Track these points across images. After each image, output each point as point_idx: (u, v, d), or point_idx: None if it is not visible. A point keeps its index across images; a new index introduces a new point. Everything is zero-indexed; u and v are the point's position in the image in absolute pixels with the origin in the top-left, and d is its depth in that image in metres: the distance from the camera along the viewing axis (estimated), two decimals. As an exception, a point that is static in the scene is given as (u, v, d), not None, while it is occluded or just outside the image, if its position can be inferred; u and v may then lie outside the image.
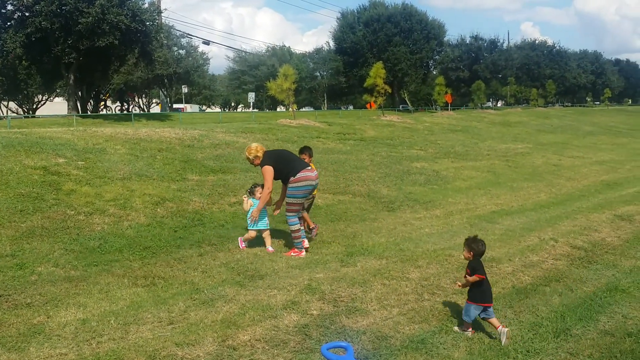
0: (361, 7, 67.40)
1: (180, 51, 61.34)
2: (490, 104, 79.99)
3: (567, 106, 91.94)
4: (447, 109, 51.00)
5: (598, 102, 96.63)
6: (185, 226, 9.27)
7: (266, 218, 8.64)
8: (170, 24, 57.68)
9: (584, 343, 5.74)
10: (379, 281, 7.23)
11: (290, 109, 30.91)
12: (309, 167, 8.39)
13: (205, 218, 9.79)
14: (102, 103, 49.00)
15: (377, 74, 35.79)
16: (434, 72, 71.41)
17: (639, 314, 6.47)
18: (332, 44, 70.14)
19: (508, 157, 22.98)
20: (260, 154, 8.32)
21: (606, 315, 6.45)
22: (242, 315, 6.02)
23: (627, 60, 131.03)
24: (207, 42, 46.79)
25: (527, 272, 8.00)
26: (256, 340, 5.46)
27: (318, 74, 75.05)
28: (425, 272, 7.71)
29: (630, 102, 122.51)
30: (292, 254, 8.26)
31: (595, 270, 8.17)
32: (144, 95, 65.23)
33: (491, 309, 5.94)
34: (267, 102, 72.13)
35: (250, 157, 8.36)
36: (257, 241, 8.70)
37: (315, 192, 9.13)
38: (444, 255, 8.39)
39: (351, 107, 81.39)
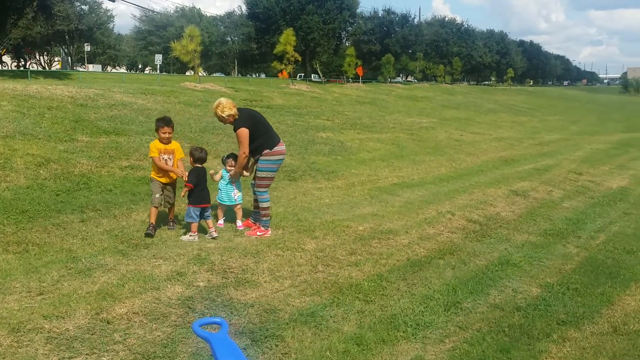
0: (276, -28, 66.04)
1: (83, 7, 58.09)
2: (399, 78, 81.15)
3: (472, 84, 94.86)
4: (358, 82, 51.21)
5: (501, 82, 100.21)
6: (68, 190, 8.60)
7: (234, 192, 7.93)
8: (73, -23, 54.42)
9: (473, 317, 5.72)
10: (273, 252, 6.96)
11: (195, 73, 29.89)
12: (280, 141, 7.70)
13: (92, 182, 9.13)
14: (-2, 59, 45.79)
15: (287, 40, 35.28)
16: (346, 44, 71.44)
17: (528, 289, 6.55)
18: (244, 8, 68.50)
19: (413, 131, 23.24)
20: (234, 112, 7.41)
21: (497, 289, 6.49)
22: (121, 286, 5.58)
23: (531, 42, 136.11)
24: (112, -1, 44.22)
25: (423, 244, 7.96)
26: (134, 313, 5.06)
27: (229, 39, 73.48)
28: (322, 243, 7.51)
29: (531, 82, 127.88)
30: (257, 232, 7.58)
31: (489, 244, 8.25)
32: (45, 53, 61.55)
33: (207, 211, 7.34)
34: (176, 66, 69.90)
35: (224, 114, 7.39)
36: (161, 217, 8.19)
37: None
38: (342, 226, 8.22)
39: (263, 76, 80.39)
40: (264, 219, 7.64)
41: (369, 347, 4.90)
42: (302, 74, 62.17)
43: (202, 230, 7.51)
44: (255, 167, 7.83)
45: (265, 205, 7.62)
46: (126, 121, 13.89)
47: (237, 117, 7.42)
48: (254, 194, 7.88)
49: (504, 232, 8.98)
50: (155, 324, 4.92)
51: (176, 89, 22.52)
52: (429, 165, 15.34)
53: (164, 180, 7.61)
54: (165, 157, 7.52)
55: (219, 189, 7.93)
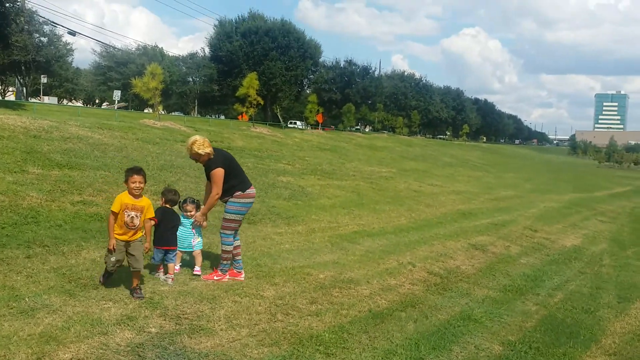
0: (240, 17, 66.70)
1: (42, 39, 57.22)
2: (359, 127, 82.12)
3: (428, 137, 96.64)
4: (318, 128, 51.51)
5: (456, 137, 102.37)
6: (15, 223, 8.14)
7: (193, 238, 7.51)
8: (34, 9, 53.70)
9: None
10: (230, 298, 6.66)
11: (155, 110, 29.53)
12: (251, 186, 7.46)
13: (41, 216, 8.68)
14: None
15: (250, 84, 35.29)
16: (308, 91, 72.13)
17: (491, 346, 6.39)
18: (207, 50, 68.79)
19: (372, 180, 23.27)
20: (210, 151, 7.08)
21: (459, 345, 6.31)
22: (67, 329, 5.19)
23: (485, 100, 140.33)
24: (72, 33, 43.36)
25: (385, 295, 7.76)
26: (79, 359, 4.68)
27: (190, 79, 73.32)
28: (281, 290, 7.24)
29: (484, 139, 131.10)
30: (214, 277, 7.23)
31: (450, 298, 8.11)
32: (-1, 83, 60.27)
33: (172, 254, 7.15)
34: (135, 103, 69.27)
35: (200, 152, 6.99)
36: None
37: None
38: (303, 273, 7.98)
39: (223, 117, 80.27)
40: (224, 262, 7.29)
41: (330, 404, 4.63)
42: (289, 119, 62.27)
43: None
44: (224, 209, 7.41)
45: (226, 248, 7.27)
46: (81, 155, 13.46)
47: (212, 156, 7.11)
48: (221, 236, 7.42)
49: (465, 286, 8.86)
50: (101, 372, 4.56)
51: (134, 125, 22.11)
52: (388, 214, 15.26)
53: (124, 237, 6.39)
54: (132, 214, 6.30)
55: (177, 235, 7.38)
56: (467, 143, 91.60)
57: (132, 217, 6.33)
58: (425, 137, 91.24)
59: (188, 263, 7.70)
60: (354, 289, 7.79)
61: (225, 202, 7.28)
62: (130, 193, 6.31)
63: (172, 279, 7.04)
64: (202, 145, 7.05)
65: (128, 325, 5.50)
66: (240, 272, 7.44)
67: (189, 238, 7.50)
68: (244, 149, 23.56)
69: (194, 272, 7.40)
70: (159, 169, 14.40)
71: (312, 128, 52.12)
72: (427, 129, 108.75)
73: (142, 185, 6.35)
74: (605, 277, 11.13)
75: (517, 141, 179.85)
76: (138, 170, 6.38)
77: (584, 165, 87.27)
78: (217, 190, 7.01)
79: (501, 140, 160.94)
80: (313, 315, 6.49)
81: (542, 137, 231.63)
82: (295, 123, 72.71)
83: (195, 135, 7.35)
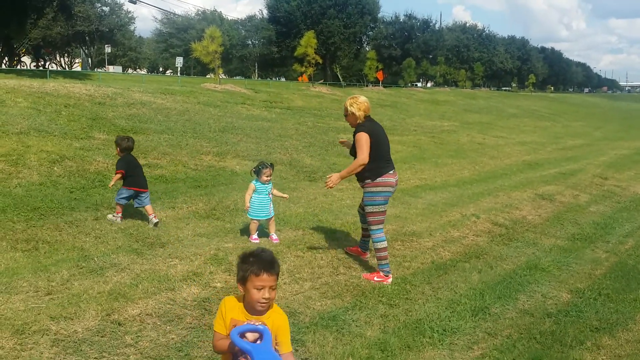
0: (296, -24, 65.96)
1: (104, 8, 58.43)
2: (419, 83, 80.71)
3: (493, 90, 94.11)
4: (378, 85, 50.95)
5: (522, 88, 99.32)
6: (83, 187, 8.42)
7: (270, 205, 7.20)
8: (95, -22, 54.76)
9: (502, 322, 5.44)
10: (293, 253, 6.73)
11: (216, 74, 29.79)
12: (392, 172, 6.33)
13: (108, 180, 8.92)
14: (17, 58, 46.06)
15: (308, 43, 35.07)
16: (367, 48, 71.12)
17: (558, 294, 6.25)
18: (265, 12, 68.53)
19: (434, 134, 22.92)
20: (360, 116, 6.25)
21: (526, 294, 6.20)
22: (135, 286, 5.36)
23: (552, 49, 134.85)
24: (133, 1, 44.11)
25: (448, 247, 7.68)
26: (147, 314, 4.84)
27: (250, 42, 73.57)
28: (343, 244, 7.26)
29: (552, 89, 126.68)
30: (375, 278, 6.25)
31: (516, 248, 7.96)
32: (65, 54, 61.99)
33: (144, 195, 7.26)
34: (197, 69, 70.14)
35: (350, 108, 6.28)
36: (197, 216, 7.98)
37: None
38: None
39: (283, 79, 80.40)
40: (382, 262, 6.27)
41: (394, 353, 4.64)
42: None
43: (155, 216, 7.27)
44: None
45: (377, 245, 6.27)
46: (144, 120, 13.76)
47: (361, 122, 6.29)
48: (362, 222, 6.84)
49: (531, 236, 8.67)
50: (169, 326, 4.70)
51: (196, 90, 22.42)
52: (451, 168, 15.02)
53: None
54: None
55: (251, 203, 7.08)
56: (533, 93, 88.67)
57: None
58: (489, 90, 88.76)
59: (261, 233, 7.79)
60: (416, 242, 7.74)
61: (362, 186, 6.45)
62: (249, 304, 3.08)
63: (156, 218, 7.34)
64: (356, 104, 6.26)
65: (194, 281, 5.64)
66: (387, 275, 6.30)
67: (267, 205, 7.15)
68: (304, 109, 23.56)
69: (273, 240, 7.16)
70: (220, 130, 14.57)
71: (372, 85, 51.47)
72: (491, 81, 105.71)
73: (272, 294, 3.07)
74: (680, 223, 10.65)
75: (586, 90, 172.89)
76: (270, 264, 3.06)
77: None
78: (361, 155, 6.09)
79: (569, 90, 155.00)
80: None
81: (612, 85, 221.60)
82: (415, 85, 71.10)
83: (362, 96, 6.43)
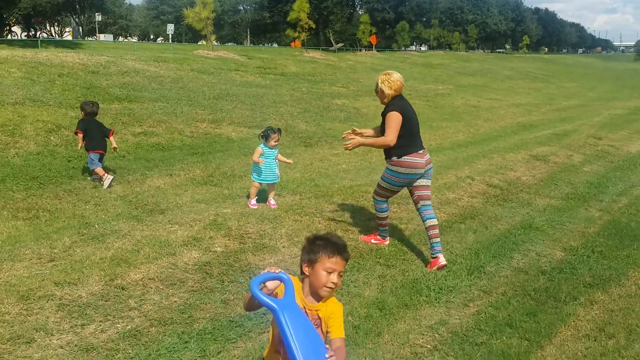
0: (287, -61, 65.00)
1: (94, -25, 57.49)
2: (413, 47, 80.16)
3: (487, 52, 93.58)
4: (372, 50, 50.62)
5: (516, 50, 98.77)
6: (80, 156, 8.45)
7: (276, 170, 7.22)
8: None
9: (497, 280, 5.56)
10: (291, 217, 6.81)
11: (208, 41, 29.55)
12: (421, 151, 5.93)
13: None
14: (7, 28, 45.45)
15: (300, 7, 34.78)
16: (360, 12, 70.46)
17: (552, 252, 6.37)
18: (256, -24, 67.80)
19: (429, 98, 22.90)
20: (390, 93, 5.84)
21: (520, 252, 6.32)
22: (136, 252, 5.45)
23: (546, 9, 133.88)
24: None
25: (443, 209, 7.78)
26: (149, 279, 4.93)
27: (241, 8, 72.75)
28: (340, 208, 7.34)
29: (546, 50, 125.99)
30: (372, 240, 6.33)
31: (510, 208, 8.06)
32: (56, 23, 61.20)
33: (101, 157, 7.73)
34: (188, 36, 69.43)
35: (380, 85, 5.86)
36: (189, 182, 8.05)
37: None
38: (360, 191, 8.04)
39: (275, 45, 79.72)
40: (381, 228, 6.33)
41: (392, 311, 4.76)
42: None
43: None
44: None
45: (378, 214, 6.25)
46: (139, 88, 13.74)
47: (391, 100, 5.89)
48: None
49: (525, 197, 8.77)
50: (171, 289, 4.80)
51: (189, 57, 22.29)
52: (446, 131, 15.08)
53: None
54: None
55: (256, 166, 7.08)
56: (527, 55, 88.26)
57: None
58: (483, 52, 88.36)
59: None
60: (412, 204, 7.81)
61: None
62: (313, 287, 2.81)
63: (111, 175, 7.70)
64: (388, 82, 5.84)
65: (194, 245, 5.72)
66: (385, 238, 6.33)
67: (274, 169, 7.14)
68: (298, 74, 23.47)
69: (272, 206, 7.15)
70: (214, 98, 14.55)
71: (366, 50, 51.15)
72: (485, 44, 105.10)
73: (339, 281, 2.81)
74: (673, 181, 10.77)
75: (580, 50, 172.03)
76: (343, 248, 2.85)
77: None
78: (389, 135, 5.76)
79: (563, 50, 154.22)
80: (372, 231, 6.59)
81: (606, 45, 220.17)
82: (409, 48, 69.86)
83: (395, 73, 6.00)
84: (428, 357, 4.12)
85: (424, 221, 6.01)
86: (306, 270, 2.79)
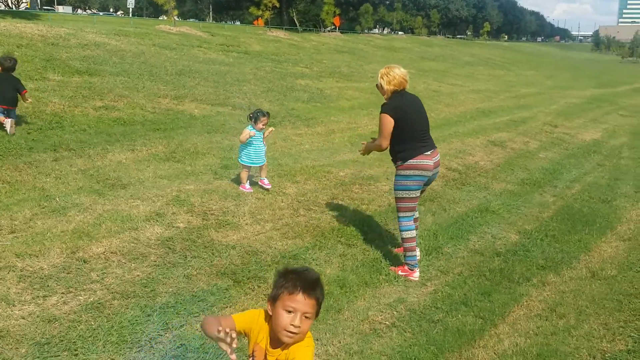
0: None
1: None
2: (376, 30, 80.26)
3: (448, 38, 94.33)
4: (335, 31, 50.50)
5: (477, 37, 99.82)
6: (40, 128, 8.31)
7: (264, 151, 7.07)
8: None
9: (454, 261, 5.74)
10: (254, 195, 6.85)
11: (170, 16, 29.08)
12: (429, 152, 5.40)
13: (65, 121, 8.83)
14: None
15: (265, -15, 34.45)
16: (324, -7, 70.06)
17: (507, 235, 6.57)
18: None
19: (391, 81, 23.03)
20: (388, 90, 5.38)
21: (476, 235, 6.50)
22: (98, 225, 5.43)
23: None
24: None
25: (404, 191, 7.91)
26: (111, 252, 4.93)
27: (204, -16, 71.54)
28: (303, 187, 7.42)
29: (506, 38, 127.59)
30: (400, 272, 5.37)
31: (468, 192, 8.25)
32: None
33: (10, 111, 8.08)
34: (149, 10, 68.09)
35: (379, 80, 5.41)
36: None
37: None
38: (323, 171, 8.12)
39: (238, 23, 78.77)
40: (408, 253, 5.42)
41: (352, 289, 4.87)
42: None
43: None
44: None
45: (404, 235, 5.42)
46: (99, 61, 13.49)
47: (390, 97, 5.43)
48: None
49: (483, 181, 8.99)
50: (134, 263, 4.81)
51: (150, 32, 21.91)
52: (407, 114, 15.21)
53: None
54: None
55: (245, 149, 6.92)
56: (487, 42, 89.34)
57: None
58: (445, 37, 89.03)
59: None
60: (373, 185, 7.95)
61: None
62: (274, 331, 2.31)
63: (13, 128, 7.98)
64: (386, 77, 5.38)
65: (157, 221, 5.73)
66: (413, 269, 5.42)
67: (262, 151, 7.02)
68: (262, 53, 23.31)
69: (265, 186, 7.06)
70: (177, 74, 14.40)
71: (329, 31, 50.99)
72: (446, 29, 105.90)
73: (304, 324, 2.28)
74: (623, 168, 11.16)
75: (539, 39, 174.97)
76: (310, 285, 2.30)
77: (607, 61, 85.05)
78: (379, 139, 5.47)
79: (523, 39, 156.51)
80: (334, 210, 6.69)
81: (565, 34, 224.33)
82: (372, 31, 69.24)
83: (396, 67, 5.49)
84: (386, 333, 4.25)
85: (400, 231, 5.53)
86: (269, 308, 2.30)
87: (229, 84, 14.86)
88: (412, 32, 78.35)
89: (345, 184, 7.76)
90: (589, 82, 39.68)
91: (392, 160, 5.59)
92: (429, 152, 5.38)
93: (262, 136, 7.00)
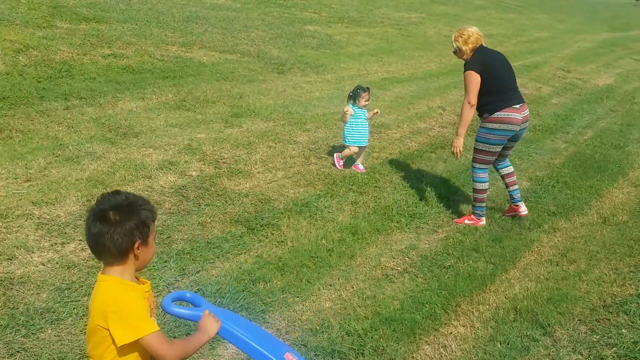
0: None
1: None
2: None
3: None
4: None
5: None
6: (50, 77, 8.26)
7: (368, 132, 6.56)
8: None
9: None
10: (265, 144, 6.87)
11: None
12: (518, 105, 5.33)
13: (75, 69, 8.77)
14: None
15: None
16: None
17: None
18: None
19: (401, 26, 22.65)
20: (466, 50, 5.38)
21: (488, 182, 6.49)
22: (112, 174, 5.48)
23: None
24: None
25: (415, 138, 7.92)
26: (126, 201, 4.98)
27: None
28: (313, 136, 7.42)
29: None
30: (466, 220, 5.48)
31: (480, 139, 8.21)
32: None
33: None
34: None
35: (455, 43, 5.45)
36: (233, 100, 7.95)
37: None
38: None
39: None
40: (476, 204, 5.51)
41: (364, 236, 4.93)
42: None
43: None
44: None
45: (476, 186, 5.50)
46: (106, 8, 13.28)
47: (471, 56, 5.40)
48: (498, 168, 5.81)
49: (495, 128, 8.93)
50: (149, 211, 4.86)
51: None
52: (418, 60, 15.04)
53: None
54: None
55: (349, 129, 6.45)
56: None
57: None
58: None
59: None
60: (384, 133, 7.94)
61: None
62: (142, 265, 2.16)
63: None
64: (461, 38, 5.37)
65: (170, 169, 5.77)
66: (480, 218, 5.52)
67: (366, 130, 6.53)
68: (269, -2, 22.91)
69: (360, 170, 6.51)
70: (184, 20, 14.19)
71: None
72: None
73: None
74: (636, 114, 11.07)
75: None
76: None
77: (621, 4, 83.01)
78: (467, 98, 5.36)
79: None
80: (345, 159, 6.69)
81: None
82: None
83: (464, 26, 5.62)
84: (398, 279, 4.32)
85: (497, 170, 5.72)
86: (136, 253, 2.02)
87: (237, 30, 14.65)
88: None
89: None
90: (602, 26, 38.81)
91: (478, 114, 5.48)
92: (517, 105, 5.30)
93: (365, 114, 6.50)
